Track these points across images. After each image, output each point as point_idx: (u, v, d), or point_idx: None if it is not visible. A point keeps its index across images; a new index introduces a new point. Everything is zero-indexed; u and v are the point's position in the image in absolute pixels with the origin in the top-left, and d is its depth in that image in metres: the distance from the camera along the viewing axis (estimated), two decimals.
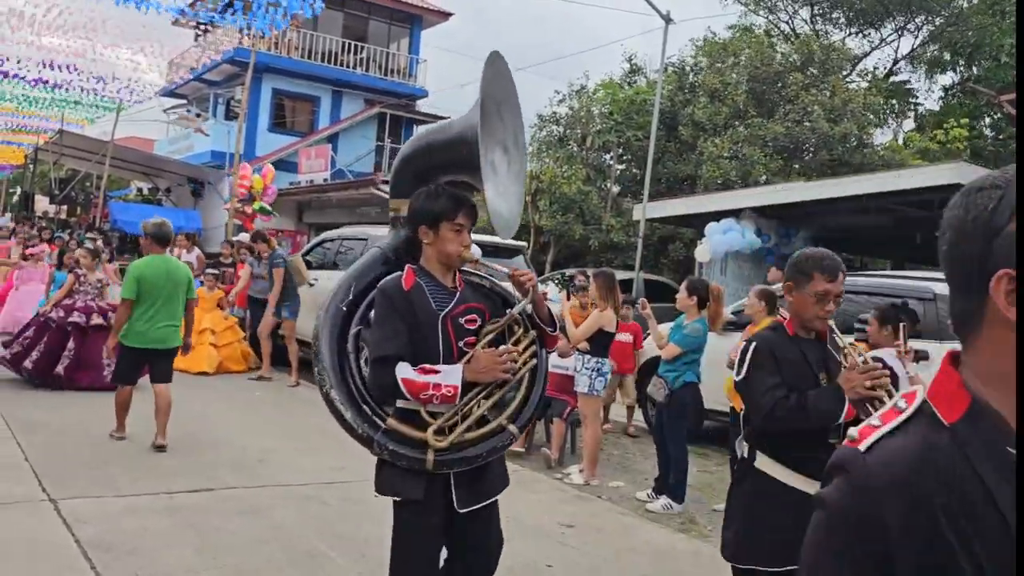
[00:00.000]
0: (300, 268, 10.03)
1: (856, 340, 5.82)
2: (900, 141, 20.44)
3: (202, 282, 10.62)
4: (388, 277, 2.93)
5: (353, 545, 4.73)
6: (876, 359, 4.93)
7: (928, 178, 11.19)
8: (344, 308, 3.15)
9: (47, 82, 22.13)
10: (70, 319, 8.40)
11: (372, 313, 3.02)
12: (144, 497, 5.21)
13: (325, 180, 24.70)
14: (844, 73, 21.37)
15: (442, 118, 22.24)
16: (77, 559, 4.15)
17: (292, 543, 4.66)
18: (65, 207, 29.09)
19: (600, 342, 6.74)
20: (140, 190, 34.10)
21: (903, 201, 12.55)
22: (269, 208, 16.47)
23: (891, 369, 4.82)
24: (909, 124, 22.09)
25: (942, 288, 7.05)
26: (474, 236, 10.02)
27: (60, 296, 8.68)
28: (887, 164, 16.70)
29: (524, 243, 11.09)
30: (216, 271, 11.42)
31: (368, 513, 5.30)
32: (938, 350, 6.06)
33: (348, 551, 4.63)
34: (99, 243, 13.80)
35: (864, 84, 20.88)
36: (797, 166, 18.37)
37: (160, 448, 6.31)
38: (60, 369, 8.13)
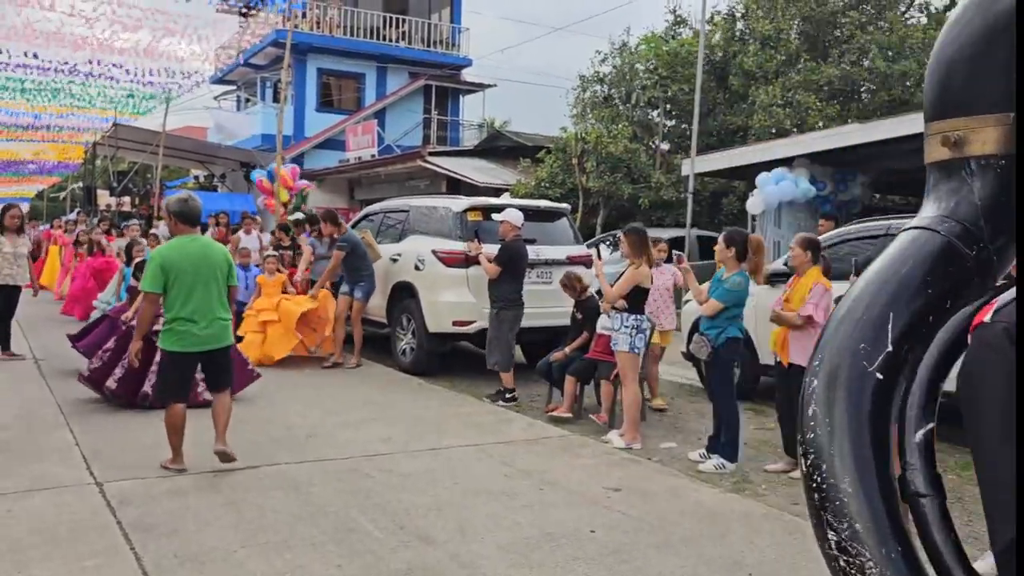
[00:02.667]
0: (372, 244, 9.86)
1: None
2: None
3: (260, 268, 10.36)
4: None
5: (393, 518, 4.69)
6: None
7: None
8: (878, 373, 1.65)
9: (98, 76, 22.63)
10: (156, 327, 6.66)
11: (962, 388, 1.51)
12: (188, 477, 5.25)
13: (373, 156, 24.76)
14: (902, 9, 20.43)
15: (488, 86, 22.12)
16: (118, 540, 4.19)
17: (332, 518, 4.64)
18: (127, 199, 29.74)
19: (637, 299, 6.56)
20: (197, 178, 34.74)
21: None
22: (295, 199, 16.49)
23: None
24: None
25: None
26: (515, 200, 9.87)
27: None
28: None
29: (567, 205, 10.87)
30: (276, 253, 10.71)
31: (409, 484, 5.29)
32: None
33: (387, 524, 4.58)
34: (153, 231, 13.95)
35: (923, 19, 19.92)
36: (854, 110, 17.68)
37: (225, 457, 5.40)
38: (148, 387, 6.94)
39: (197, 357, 5.41)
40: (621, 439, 6.56)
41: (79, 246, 15.38)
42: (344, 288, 9.59)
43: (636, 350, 6.61)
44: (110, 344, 7.32)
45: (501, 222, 8.15)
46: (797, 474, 5.65)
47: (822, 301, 5.62)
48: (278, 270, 10.16)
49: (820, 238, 8.51)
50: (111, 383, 6.97)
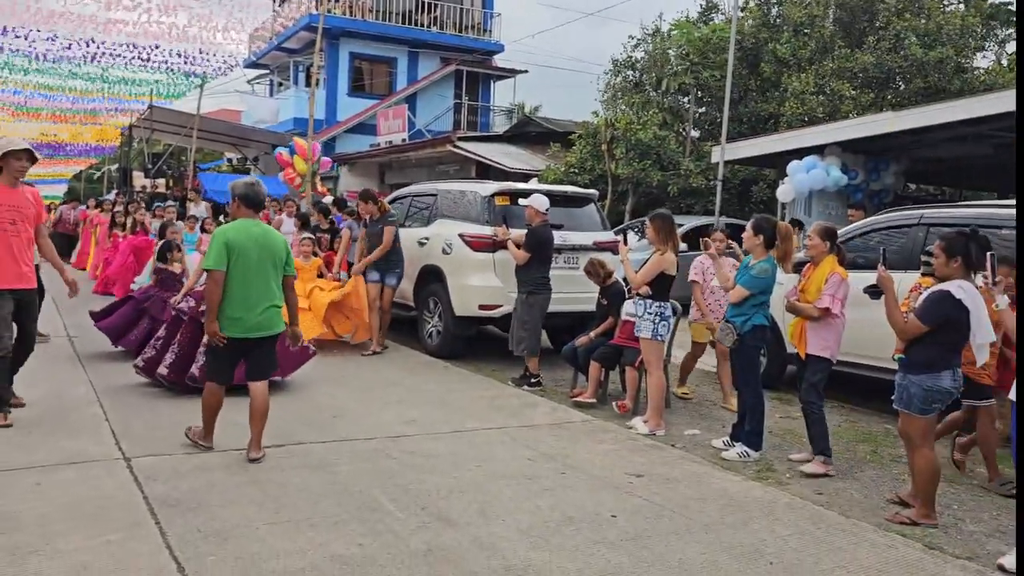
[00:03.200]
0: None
1: (923, 275, 5.45)
2: (1003, 63, 19.08)
3: (296, 252, 9.70)
4: None
5: (414, 498, 4.72)
6: (940, 292, 4.59)
7: None
8: None
9: (137, 59, 22.88)
10: (203, 308, 6.81)
11: None
12: (215, 454, 5.32)
13: (404, 141, 24.82)
14: None
15: (520, 72, 22.05)
16: (143, 515, 4.26)
17: (354, 497, 4.68)
18: (162, 181, 30.09)
19: (662, 285, 6.53)
20: (230, 160, 35.05)
21: (1003, 126, 11.72)
22: (316, 171, 16.52)
23: (959, 302, 4.49)
24: (1011, 48, 20.59)
25: None
26: (543, 186, 9.81)
27: (192, 283, 7.53)
28: (989, 89, 15.62)
29: (595, 191, 10.82)
30: (312, 236, 10.32)
31: (432, 466, 5.32)
32: None
33: (409, 504, 4.62)
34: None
35: (961, 6, 19.51)
36: (889, 98, 17.40)
37: (255, 461, 5.21)
38: (195, 369, 6.80)
39: (248, 343, 5.25)
40: (645, 425, 6.54)
41: (116, 226, 15.54)
42: (374, 275, 9.41)
43: (659, 337, 6.59)
44: (161, 333, 7.29)
45: (526, 207, 8.14)
46: (809, 467, 5.61)
47: (839, 292, 5.54)
48: (314, 253, 9.88)
49: (850, 227, 8.44)
50: (163, 369, 6.94)
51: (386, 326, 9.65)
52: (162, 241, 9.29)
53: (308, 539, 4.05)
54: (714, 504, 4.91)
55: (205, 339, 5.58)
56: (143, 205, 16.01)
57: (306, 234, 10.30)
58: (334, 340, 9.60)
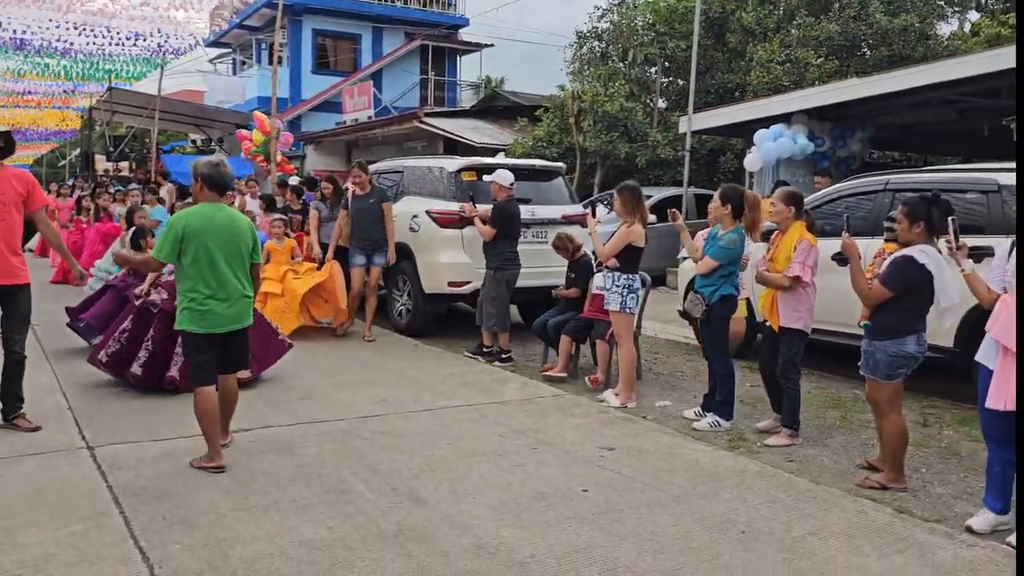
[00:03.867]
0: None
1: (887, 240, 5.45)
2: (966, 29, 19.17)
3: (267, 234, 9.30)
4: None
5: (384, 479, 4.68)
6: (904, 257, 4.59)
7: (993, 63, 10.40)
8: None
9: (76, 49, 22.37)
10: (154, 298, 6.67)
11: None
12: (181, 440, 5.23)
13: (370, 118, 24.55)
14: None
15: (486, 46, 21.84)
16: (107, 504, 4.18)
17: (323, 480, 4.63)
18: (125, 164, 29.54)
19: (630, 258, 6.49)
20: (194, 142, 34.49)
21: (967, 91, 11.79)
22: (271, 136, 16.19)
23: (923, 267, 4.50)
24: (974, 16, 20.68)
25: (1007, 178, 6.56)
26: (509, 161, 9.72)
27: (155, 275, 6.91)
28: (952, 55, 15.68)
29: (562, 164, 10.75)
30: (285, 216, 9.74)
31: (402, 445, 5.27)
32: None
33: (379, 485, 4.57)
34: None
35: None
36: (854, 66, 17.42)
37: (222, 447, 4.97)
38: (174, 372, 6.28)
39: (220, 337, 4.83)
40: (616, 398, 6.54)
41: (82, 212, 15.16)
42: (359, 259, 8.97)
43: (628, 309, 6.56)
44: (127, 325, 6.55)
45: (491, 183, 8.07)
46: (775, 440, 5.61)
47: (809, 259, 5.49)
48: (286, 235, 9.35)
49: (817, 194, 8.45)
50: (136, 368, 6.29)
51: (375, 310, 9.21)
52: (132, 228, 8.75)
53: (276, 524, 3.99)
54: (685, 475, 4.91)
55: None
56: (107, 191, 15.58)
57: (276, 215, 9.86)
58: (312, 326, 9.19)
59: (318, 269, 9.14)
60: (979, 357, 4.19)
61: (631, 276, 6.52)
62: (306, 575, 3.49)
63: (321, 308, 9.21)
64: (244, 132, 17.94)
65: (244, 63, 32.15)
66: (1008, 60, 10.26)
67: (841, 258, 7.28)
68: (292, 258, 9.27)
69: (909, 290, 4.53)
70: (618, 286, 6.50)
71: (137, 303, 6.71)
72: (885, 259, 4.88)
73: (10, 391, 5.44)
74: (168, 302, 6.28)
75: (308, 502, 4.28)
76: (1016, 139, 4.70)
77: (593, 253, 7.49)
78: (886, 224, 5.34)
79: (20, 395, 5.49)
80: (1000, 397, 3.95)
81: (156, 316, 6.49)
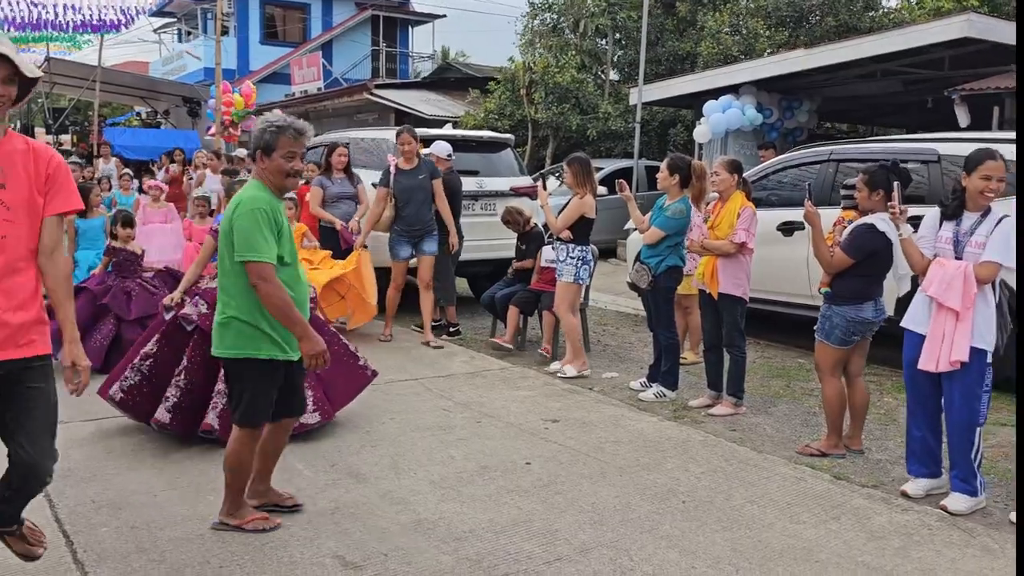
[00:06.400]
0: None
1: (845, 208, 5.47)
2: (911, 1, 19.34)
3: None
4: None
5: (324, 456, 4.60)
6: (865, 225, 4.63)
7: (935, 34, 10.53)
8: None
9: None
10: (187, 311, 4.82)
11: None
12: (112, 420, 5.07)
13: (319, 90, 24.12)
14: None
15: (438, 16, 21.41)
16: None
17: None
18: (67, 137, 28.68)
19: (583, 230, 6.45)
20: (139, 114, 33.60)
21: (911, 62, 11.92)
22: (250, 110, 15.87)
23: (883, 235, 4.54)
24: None
25: (946, 148, 6.63)
26: (458, 132, 9.49)
27: (193, 277, 4.96)
28: (898, 26, 15.84)
29: (511, 136, 10.64)
30: (294, 197, 7.29)
31: (345, 421, 5.19)
32: None
33: (317, 462, 4.49)
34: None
35: None
36: (802, 36, 17.51)
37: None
38: (213, 418, 4.55)
39: (289, 366, 3.59)
40: (572, 367, 6.52)
41: None
42: (405, 251, 7.58)
43: (581, 281, 6.53)
44: (151, 347, 4.81)
45: (428, 155, 7.93)
46: (718, 409, 5.63)
47: (752, 226, 5.51)
48: (295, 220, 7.20)
49: (763, 165, 8.49)
50: (163, 415, 4.59)
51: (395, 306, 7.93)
52: (112, 211, 7.49)
53: (208, 504, 3.89)
54: (629, 446, 4.91)
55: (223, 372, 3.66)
56: None
57: (289, 195, 7.31)
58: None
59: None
60: (905, 322, 4.23)
61: (584, 248, 6.48)
62: (237, 555, 3.41)
63: (337, 305, 7.81)
64: (230, 99, 17.19)
65: (189, 33, 31.34)
66: (948, 32, 10.39)
67: (787, 228, 7.37)
68: (302, 244, 7.34)
69: (870, 257, 4.56)
70: (572, 258, 6.45)
71: (167, 316, 4.93)
72: (845, 227, 4.90)
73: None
74: (207, 318, 4.46)
75: None
76: (1016, 137, 4.74)
77: (544, 226, 7.44)
78: (844, 192, 5.37)
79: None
80: (932, 359, 3.99)
81: (194, 339, 4.73)
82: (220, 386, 4.51)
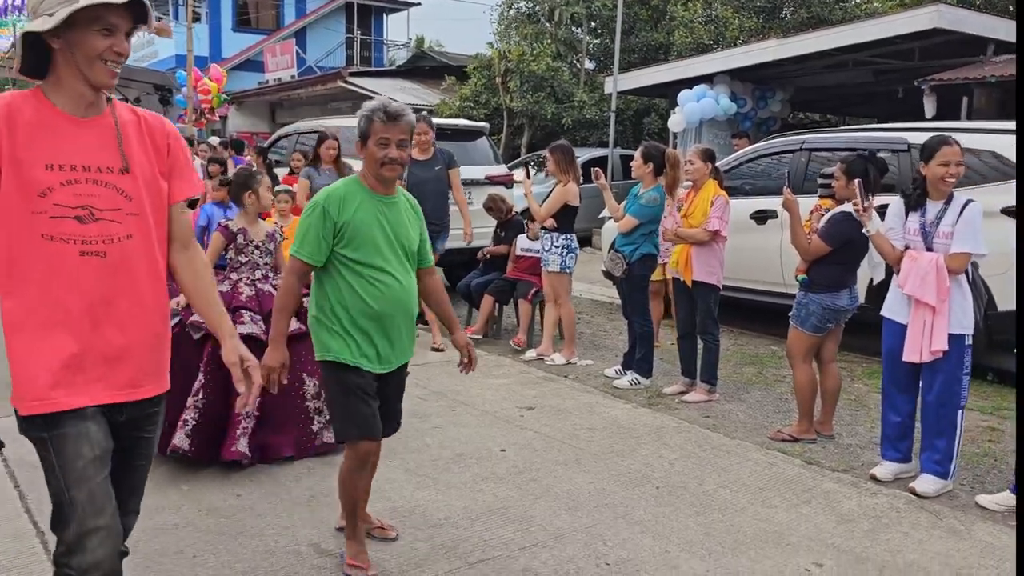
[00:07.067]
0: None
1: (822, 197, 5.52)
2: None
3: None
4: None
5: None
6: (842, 213, 4.67)
7: (905, 24, 10.64)
8: None
9: None
10: (246, 325, 4.32)
11: None
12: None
13: (293, 77, 23.90)
14: None
15: (414, 3, 21.24)
16: (1, 479, 3.99)
17: None
18: None
19: (567, 217, 6.46)
20: (109, 100, 33.07)
21: (881, 52, 12.03)
22: (226, 96, 15.71)
23: (860, 223, 4.58)
24: None
25: (916, 138, 6.71)
26: (437, 120, 9.33)
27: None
28: (870, 17, 15.98)
29: (486, 124, 10.63)
30: (290, 188, 6.89)
31: None
32: None
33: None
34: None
35: None
36: (775, 27, 17.62)
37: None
38: (242, 442, 4.18)
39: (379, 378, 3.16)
40: (561, 355, 6.56)
41: None
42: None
43: (567, 269, 6.55)
44: (201, 379, 4.23)
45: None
46: (692, 396, 5.68)
47: (725, 214, 5.55)
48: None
49: (737, 153, 8.54)
50: (180, 439, 4.09)
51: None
52: None
53: (182, 493, 3.87)
54: (604, 433, 4.94)
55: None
56: None
57: (280, 187, 6.81)
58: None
59: None
60: (884, 311, 4.28)
61: (569, 236, 6.49)
62: (212, 544, 3.40)
63: None
64: (205, 86, 16.86)
65: (160, 19, 30.90)
66: (918, 23, 10.50)
67: (760, 216, 7.43)
68: None
69: (846, 245, 4.61)
70: (557, 246, 6.47)
71: (178, 326, 4.30)
72: (823, 215, 4.95)
73: None
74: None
75: (218, 471, 4.16)
76: (1016, 135, 4.80)
77: (520, 213, 7.45)
78: (820, 181, 5.42)
79: None
80: (915, 350, 4.05)
81: (207, 349, 4.25)
82: (247, 410, 3.32)
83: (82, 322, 2.07)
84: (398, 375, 3.27)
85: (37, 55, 2.05)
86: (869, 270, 4.75)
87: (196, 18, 24.55)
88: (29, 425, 2.11)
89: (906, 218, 4.17)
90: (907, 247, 4.14)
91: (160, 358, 2.24)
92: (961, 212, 3.97)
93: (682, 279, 5.66)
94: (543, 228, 6.57)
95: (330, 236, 3.04)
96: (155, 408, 2.26)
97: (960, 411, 4.07)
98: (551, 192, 6.63)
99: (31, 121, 2.01)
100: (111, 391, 2.13)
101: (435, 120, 10.69)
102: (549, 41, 18.77)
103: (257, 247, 4.65)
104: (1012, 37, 10.46)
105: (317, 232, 3.05)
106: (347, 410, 3.11)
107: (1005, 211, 5.64)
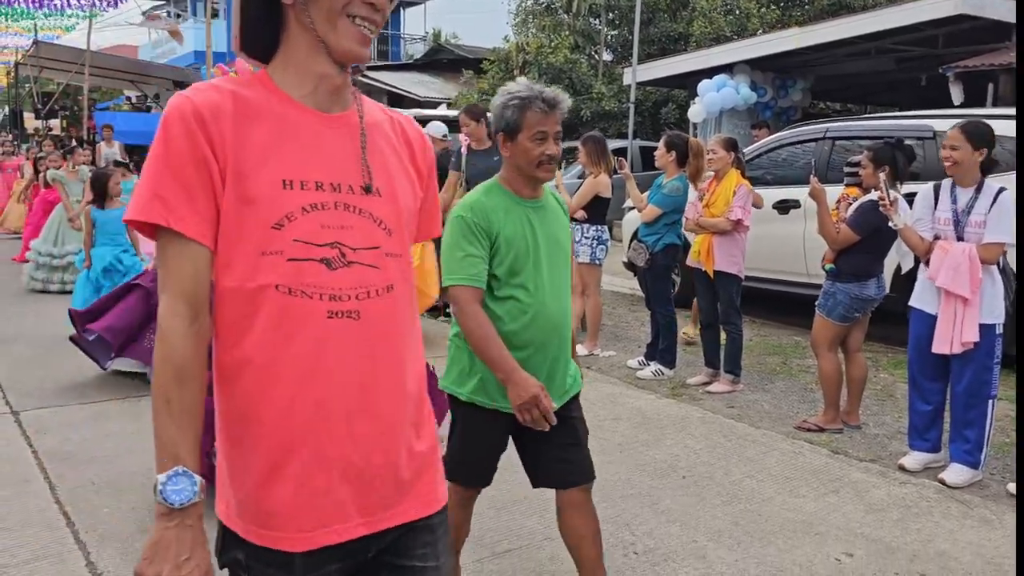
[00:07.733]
0: None
1: (848, 185, 5.47)
2: None
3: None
4: None
5: None
6: (871, 202, 4.62)
7: (930, 10, 10.50)
8: None
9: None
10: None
11: None
12: (111, 403, 5.07)
13: None
14: None
15: None
16: (32, 470, 4.02)
17: None
18: (56, 122, 28.43)
19: (598, 209, 6.42)
20: (129, 99, 33.37)
21: (904, 40, 11.89)
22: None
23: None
24: None
25: (942, 125, 6.63)
26: (451, 112, 9.39)
27: None
28: (892, 3, 15.82)
29: None
30: None
31: None
32: None
33: None
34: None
35: None
36: (796, 16, 17.48)
37: None
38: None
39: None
40: (582, 346, 6.54)
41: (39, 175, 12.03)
42: None
43: (598, 261, 6.52)
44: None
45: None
46: (716, 386, 5.65)
47: (748, 203, 5.52)
48: None
49: (758, 143, 8.48)
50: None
51: None
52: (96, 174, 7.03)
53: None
54: (628, 423, 4.93)
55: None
56: (46, 151, 12.80)
57: None
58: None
59: None
60: (913, 301, 4.23)
61: (600, 227, 6.47)
62: None
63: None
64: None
65: (179, 16, 31.09)
66: (941, 9, 10.37)
67: (783, 206, 7.37)
68: None
69: (875, 233, 4.56)
70: (587, 238, 6.44)
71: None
72: (850, 203, 4.90)
73: None
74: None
75: None
76: (1016, 133, 4.75)
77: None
78: (847, 169, 5.37)
79: None
80: (945, 341, 4.00)
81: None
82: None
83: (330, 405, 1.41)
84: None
85: (262, 21, 1.44)
86: (898, 258, 4.70)
87: (215, 14, 24.67)
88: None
89: (935, 206, 4.11)
90: (936, 237, 4.08)
91: (435, 460, 1.60)
92: (995, 200, 3.91)
93: (704, 269, 5.63)
94: (574, 220, 6.54)
95: (480, 251, 2.52)
96: (432, 523, 1.57)
97: (991, 401, 4.02)
98: (582, 183, 6.59)
99: (259, 116, 1.40)
100: (348, 530, 1.45)
101: (451, 112, 10.74)
102: (567, 33, 18.71)
103: None
104: None
105: (474, 248, 2.51)
106: (469, 455, 2.75)
107: None
